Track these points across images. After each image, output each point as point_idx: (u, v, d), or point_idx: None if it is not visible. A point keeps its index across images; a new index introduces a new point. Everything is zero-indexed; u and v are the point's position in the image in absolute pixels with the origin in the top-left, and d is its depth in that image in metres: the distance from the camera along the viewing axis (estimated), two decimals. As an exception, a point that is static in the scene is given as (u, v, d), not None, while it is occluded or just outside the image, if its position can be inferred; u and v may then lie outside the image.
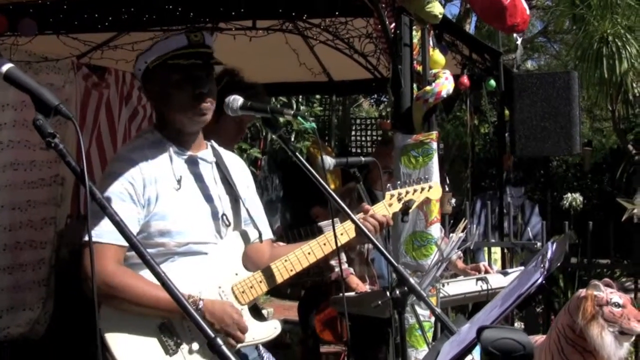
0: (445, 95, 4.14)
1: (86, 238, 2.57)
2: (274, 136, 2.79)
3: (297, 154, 2.67)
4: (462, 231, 3.30)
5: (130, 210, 2.61)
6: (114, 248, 2.58)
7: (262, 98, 3.45)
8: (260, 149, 11.33)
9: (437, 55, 4.47)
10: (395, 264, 2.60)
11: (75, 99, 6.62)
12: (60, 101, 1.80)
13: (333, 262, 5.09)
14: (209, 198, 2.82)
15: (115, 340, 2.56)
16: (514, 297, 1.93)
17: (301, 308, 6.31)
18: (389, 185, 3.18)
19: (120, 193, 2.61)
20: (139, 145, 2.78)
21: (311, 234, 4.82)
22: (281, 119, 2.71)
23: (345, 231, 2.90)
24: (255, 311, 2.86)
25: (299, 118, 2.65)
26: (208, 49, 2.79)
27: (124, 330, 2.59)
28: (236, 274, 2.79)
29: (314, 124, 2.68)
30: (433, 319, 4.10)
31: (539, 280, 1.88)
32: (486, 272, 4.75)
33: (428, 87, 4.15)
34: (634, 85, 8.79)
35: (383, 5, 4.12)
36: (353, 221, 2.73)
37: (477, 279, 4.50)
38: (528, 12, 5.14)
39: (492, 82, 6.80)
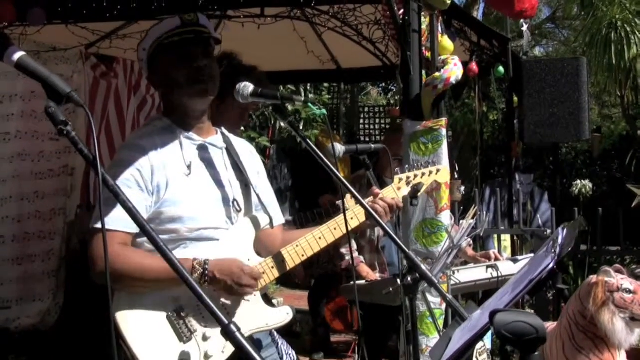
0: (454, 82, 4.14)
1: (94, 225, 2.60)
2: (283, 124, 2.80)
3: (307, 140, 2.67)
4: (472, 218, 3.29)
5: (137, 196, 2.61)
6: (120, 234, 2.59)
7: (266, 83, 3.45)
8: (269, 138, 11.33)
9: (445, 42, 4.47)
10: (406, 250, 2.60)
11: (84, 88, 6.63)
12: (72, 89, 1.80)
13: (343, 250, 5.10)
14: (219, 184, 2.83)
15: (130, 331, 2.56)
16: (526, 283, 1.93)
17: (311, 297, 6.33)
18: (397, 169, 3.18)
19: (127, 180, 2.62)
20: (148, 132, 2.78)
21: (319, 217, 4.84)
22: (289, 108, 2.71)
23: (355, 215, 2.90)
24: (266, 299, 2.86)
25: (310, 105, 2.66)
26: (204, 29, 2.79)
27: (137, 319, 2.59)
28: (248, 260, 2.79)
29: (324, 111, 2.68)
30: (444, 306, 4.10)
31: (550, 265, 1.88)
32: (496, 259, 4.74)
33: (437, 74, 4.14)
34: (644, 70, 8.76)
35: (391, -8, 4.11)
36: (363, 206, 2.73)
37: (487, 267, 4.49)
38: (537, -2, 5.13)
39: (501, 69, 6.77)
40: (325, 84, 13.06)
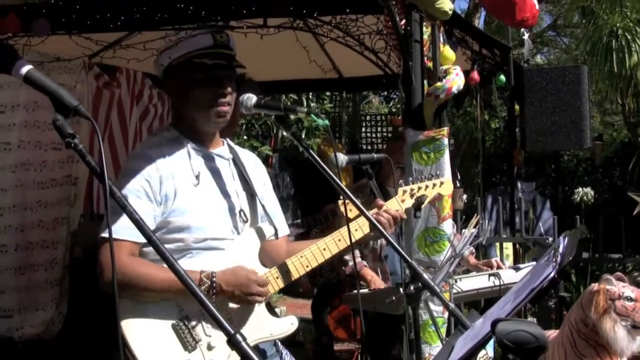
0: (456, 91, 4.16)
1: (103, 234, 2.63)
2: (286, 134, 2.83)
3: (310, 150, 2.69)
4: (474, 227, 3.31)
5: (145, 207, 2.64)
6: (129, 244, 2.61)
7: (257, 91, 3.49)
8: (271, 147, 11.35)
9: (447, 51, 4.49)
10: (409, 260, 2.62)
11: (87, 98, 6.66)
12: (79, 102, 1.82)
13: (347, 257, 5.11)
14: (226, 194, 2.85)
15: (135, 340, 2.58)
16: (527, 292, 1.95)
17: (315, 306, 6.33)
18: (401, 181, 3.21)
19: (136, 190, 2.65)
20: (156, 143, 2.80)
21: (325, 220, 4.85)
22: (292, 116, 2.74)
23: (359, 227, 2.92)
24: (269, 309, 2.88)
25: (312, 115, 2.68)
26: (231, 52, 2.82)
27: (142, 328, 2.61)
28: None
29: (327, 121, 2.70)
30: (446, 314, 4.12)
31: (552, 275, 1.90)
32: (498, 267, 4.76)
33: (439, 83, 4.17)
34: (645, 78, 8.78)
35: (393, 2, 4.14)
36: (366, 216, 2.76)
37: (490, 275, 4.50)
38: (537, 6, 5.15)
39: (502, 77, 6.79)
40: (327, 93, 13.09)
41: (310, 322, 6.87)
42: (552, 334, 3.97)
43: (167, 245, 2.02)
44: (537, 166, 12.70)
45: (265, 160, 10.82)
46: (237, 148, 3.04)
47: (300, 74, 7.81)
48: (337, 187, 2.69)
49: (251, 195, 2.95)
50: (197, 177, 2.78)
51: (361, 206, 2.71)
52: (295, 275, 2.84)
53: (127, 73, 7.16)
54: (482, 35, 6.93)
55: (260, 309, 2.78)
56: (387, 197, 3.23)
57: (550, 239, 5.68)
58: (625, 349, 3.54)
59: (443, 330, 3.97)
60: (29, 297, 6.42)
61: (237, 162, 2.97)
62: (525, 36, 6.34)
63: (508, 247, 7.09)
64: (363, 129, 14.29)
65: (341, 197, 2.77)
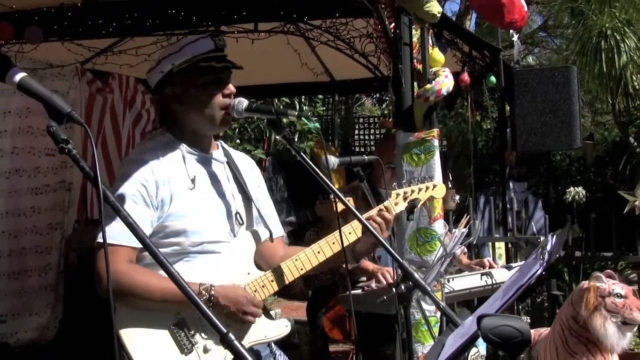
0: (445, 93, 4.19)
1: (99, 240, 2.63)
2: (278, 137, 2.86)
3: (301, 153, 2.73)
4: (465, 227, 3.34)
5: (143, 211, 2.66)
6: (126, 249, 2.63)
7: None
8: (264, 150, 11.39)
9: (436, 54, 4.52)
10: (400, 259, 2.66)
11: (80, 104, 6.67)
12: (72, 108, 1.86)
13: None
14: (223, 197, 2.88)
15: (131, 341, 2.61)
16: (515, 289, 1.99)
17: (310, 307, 6.35)
18: (394, 184, 3.24)
19: (133, 195, 2.67)
20: (151, 147, 2.83)
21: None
22: (284, 120, 2.77)
23: (353, 230, 2.95)
24: (264, 311, 2.91)
25: (303, 119, 2.71)
26: (226, 55, 2.88)
27: (138, 329, 2.63)
28: (248, 274, 2.85)
29: (317, 125, 2.74)
30: (439, 314, 4.14)
31: (538, 272, 1.94)
32: (490, 267, 4.78)
33: (428, 85, 4.19)
34: (634, 78, 8.80)
35: (382, 6, 4.17)
36: (357, 218, 2.79)
37: (482, 274, 4.53)
38: (526, 8, 5.18)
39: (493, 79, 6.83)
40: (320, 96, 13.12)
41: (306, 324, 6.89)
42: (543, 331, 4.01)
43: (163, 249, 2.05)
44: (530, 166, 12.74)
45: (259, 163, 10.85)
46: (231, 150, 3.07)
47: (292, 77, 7.83)
48: (329, 189, 2.72)
49: (246, 197, 2.98)
50: (193, 180, 2.80)
51: (353, 208, 2.74)
52: (290, 278, 2.88)
53: (120, 78, 7.18)
54: (472, 37, 6.98)
55: (254, 297, 2.81)
56: (379, 198, 3.26)
57: (542, 238, 5.71)
58: (615, 345, 3.57)
59: (436, 330, 4.00)
60: (22, 303, 6.42)
61: (231, 164, 3.00)
62: (515, 37, 6.39)
63: (500, 246, 7.12)
64: (356, 131, 14.32)
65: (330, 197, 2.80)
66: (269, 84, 8.09)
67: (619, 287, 3.64)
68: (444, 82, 4.17)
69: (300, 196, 10.88)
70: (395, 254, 2.68)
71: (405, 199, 3.19)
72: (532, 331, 4.15)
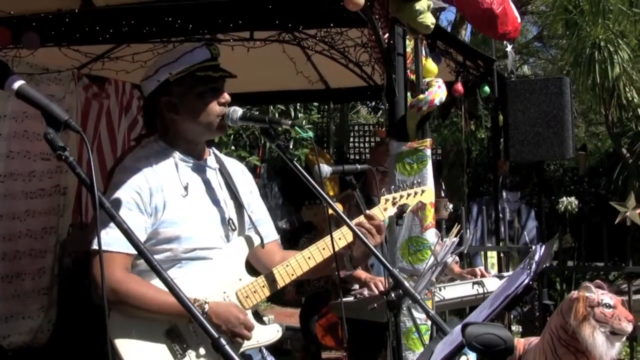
0: (438, 104, 4.22)
1: (94, 246, 2.65)
2: (272, 145, 2.89)
3: (294, 162, 2.76)
4: (456, 236, 3.37)
5: (137, 219, 2.69)
6: (122, 256, 2.65)
7: None
8: (259, 157, 11.41)
9: (429, 64, 4.56)
10: (390, 268, 2.68)
11: (76, 109, 6.71)
12: (69, 114, 1.89)
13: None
14: (216, 203, 2.91)
15: (125, 346, 2.63)
16: (502, 298, 2.02)
17: (303, 314, 6.37)
18: (383, 189, 3.27)
19: (127, 202, 2.69)
20: (145, 155, 2.86)
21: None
22: (279, 128, 2.81)
23: (343, 235, 2.99)
24: (257, 317, 2.94)
25: (297, 128, 2.74)
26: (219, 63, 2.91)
27: (132, 336, 2.66)
28: (240, 279, 2.88)
29: (311, 133, 2.77)
30: (429, 322, 4.17)
31: (525, 281, 1.97)
32: (482, 276, 4.81)
33: (421, 95, 4.22)
34: (627, 89, 8.84)
35: (376, 16, 4.20)
36: (348, 225, 2.82)
37: (474, 283, 4.57)
38: (519, 20, 5.22)
39: (487, 89, 6.87)
40: (315, 103, 13.15)
41: (298, 330, 6.90)
42: (533, 340, 4.04)
43: (156, 256, 2.08)
44: (523, 176, 12.78)
45: (254, 170, 10.88)
46: (223, 157, 3.10)
47: (287, 85, 7.87)
48: (321, 197, 2.75)
49: (238, 203, 3.01)
50: (186, 188, 2.83)
51: (343, 216, 2.78)
52: (281, 283, 2.91)
53: (116, 84, 7.21)
54: (465, 47, 7.02)
55: (247, 317, 2.84)
56: (372, 206, 3.29)
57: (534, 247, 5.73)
58: (604, 355, 3.60)
59: (427, 337, 4.03)
60: (16, 305, 6.43)
61: (223, 171, 3.03)
62: (509, 48, 6.42)
63: (493, 255, 7.16)
64: (351, 139, 14.34)
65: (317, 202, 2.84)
66: (265, 91, 8.13)
67: (607, 297, 3.67)
68: (437, 93, 4.20)
69: (294, 203, 10.91)
70: (386, 262, 2.71)
71: (394, 204, 3.22)
72: (522, 340, 4.19)
